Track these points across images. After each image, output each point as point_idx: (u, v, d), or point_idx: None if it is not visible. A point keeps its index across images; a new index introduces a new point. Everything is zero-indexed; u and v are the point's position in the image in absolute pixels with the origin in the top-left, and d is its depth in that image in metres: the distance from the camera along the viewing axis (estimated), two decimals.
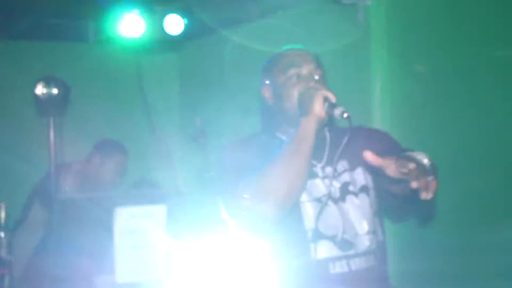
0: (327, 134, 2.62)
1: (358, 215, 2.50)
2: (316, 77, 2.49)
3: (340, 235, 2.46)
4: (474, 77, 3.36)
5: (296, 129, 2.38)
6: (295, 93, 2.47)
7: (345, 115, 2.30)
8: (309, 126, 2.36)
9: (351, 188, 2.54)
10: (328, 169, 2.53)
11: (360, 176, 2.56)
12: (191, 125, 5.63)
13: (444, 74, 3.52)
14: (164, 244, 3.00)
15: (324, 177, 2.52)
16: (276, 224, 2.40)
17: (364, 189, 2.54)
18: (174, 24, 4.09)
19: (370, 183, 2.56)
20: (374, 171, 2.44)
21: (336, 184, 2.52)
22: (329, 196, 2.48)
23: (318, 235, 2.45)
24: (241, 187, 2.39)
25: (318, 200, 2.49)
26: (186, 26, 4.15)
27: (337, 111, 2.32)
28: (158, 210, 2.99)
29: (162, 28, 4.01)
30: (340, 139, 2.43)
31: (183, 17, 4.15)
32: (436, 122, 3.57)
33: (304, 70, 2.51)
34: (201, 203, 5.46)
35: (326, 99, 2.34)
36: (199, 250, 3.14)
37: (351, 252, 2.45)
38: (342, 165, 2.55)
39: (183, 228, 3.64)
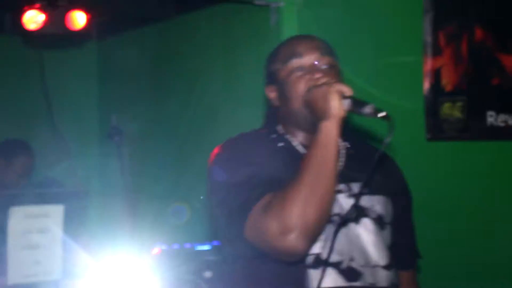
0: (342, 143, 2.15)
1: (371, 242, 2.08)
2: (324, 67, 2.07)
3: (346, 262, 2.03)
4: (377, 80, 3.39)
5: (316, 135, 1.93)
6: (301, 89, 2.04)
7: (382, 114, 1.89)
8: (331, 130, 1.91)
9: (366, 213, 2.09)
10: (342, 185, 2.06)
11: (379, 206, 2.11)
12: (107, 123, 5.58)
13: (352, 78, 3.54)
14: (61, 245, 2.93)
15: (335, 192, 2.00)
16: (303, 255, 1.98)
17: (379, 220, 2.10)
18: (77, 19, 4.00)
19: (389, 217, 2.13)
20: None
21: (350, 203, 2.04)
22: (339, 216, 2.02)
23: (320, 261, 2.01)
24: (258, 209, 1.94)
25: (330, 218, 2.01)
26: (89, 22, 4.07)
27: (367, 110, 1.90)
28: (55, 210, 2.90)
29: (64, 23, 3.91)
30: (359, 153, 2.14)
31: (86, 13, 4.06)
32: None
33: (308, 60, 2.08)
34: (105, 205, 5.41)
35: (343, 95, 1.90)
36: (101, 252, 3.09)
37: (358, 283, 2.02)
38: (357, 187, 2.07)
39: (82, 229, 3.57)
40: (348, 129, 2.11)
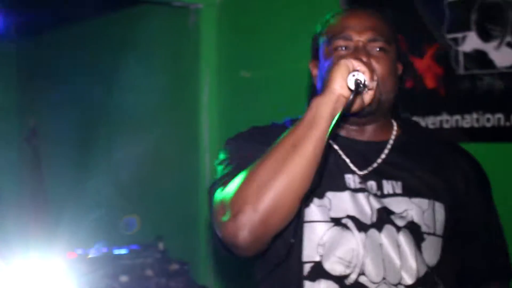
0: (394, 130, 1.87)
1: (397, 254, 1.71)
2: (376, 50, 1.76)
3: (354, 276, 1.68)
4: (292, 85, 3.40)
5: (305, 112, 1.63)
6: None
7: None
8: (322, 108, 1.58)
9: (394, 218, 1.73)
10: (371, 183, 1.76)
11: (414, 211, 1.74)
12: (26, 125, 5.47)
13: (269, 80, 3.55)
14: None
15: (357, 191, 1.73)
16: (247, 255, 1.66)
17: (412, 228, 1.72)
18: None
19: (434, 227, 1.75)
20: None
21: (375, 205, 1.73)
22: (356, 219, 1.70)
23: (319, 272, 1.68)
24: (218, 186, 1.69)
25: (337, 221, 1.71)
26: (7, 23, 3.97)
27: (366, 96, 1.65)
28: None
29: None
30: (417, 148, 1.84)
31: (3, 13, 3.97)
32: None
33: (356, 39, 1.77)
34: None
35: (353, 74, 1.60)
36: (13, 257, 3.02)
37: None
38: (392, 186, 1.76)
39: None
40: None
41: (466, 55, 2.65)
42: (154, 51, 4.18)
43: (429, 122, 2.73)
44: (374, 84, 1.65)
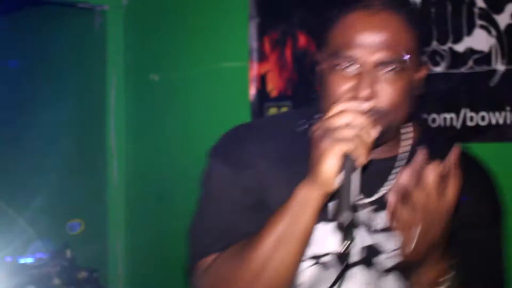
0: (408, 139, 1.58)
1: None
2: (387, 73, 1.42)
3: None
4: (204, 85, 3.39)
5: (290, 198, 1.41)
6: (335, 96, 1.43)
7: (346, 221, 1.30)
8: (309, 199, 1.38)
9: (382, 258, 1.51)
10: (364, 212, 1.51)
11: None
12: None
13: (178, 83, 3.52)
14: None
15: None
16: None
17: (402, 268, 1.50)
18: None
19: None
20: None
21: (364, 241, 1.52)
22: (341, 256, 1.35)
23: None
24: (201, 268, 1.51)
25: (317, 259, 1.50)
26: None
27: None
28: None
29: None
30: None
31: None
32: (169, 132, 3.56)
33: (362, 61, 1.43)
34: None
35: (348, 157, 1.32)
36: None
37: None
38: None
39: None
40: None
41: None
42: (59, 54, 4.09)
43: None
44: (376, 130, 1.36)
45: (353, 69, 1.43)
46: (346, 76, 1.44)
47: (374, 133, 1.35)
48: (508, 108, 2.33)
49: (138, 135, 3.71)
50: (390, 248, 1.51)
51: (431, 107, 2.48)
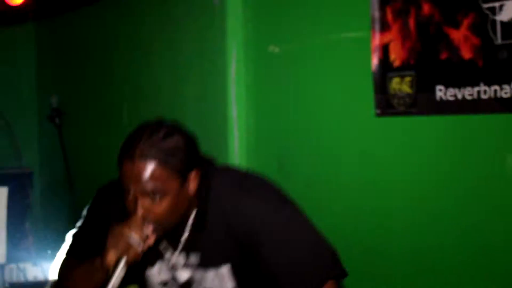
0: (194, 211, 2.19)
1: None
2: (152, 196, 2.04)
3: None
4: (325, 56, 3.37)
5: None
6: (128, 207, 2.09)
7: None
8: (97, 268, 2.11)
9: None
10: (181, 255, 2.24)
11: (209, 281, 2.18)
12: (48, 104, 5.46)
13: (297, 55, 3.52)
14: (4, 228, 2.84)
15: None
16: None
17: None
18: None
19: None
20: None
21: (179, 277, 2.24)
22: None
23: None
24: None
25: None
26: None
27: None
28: None
29: None
30: (216, 220, 2.12)
31: None
32: (289, 103, 3.57)
33: (132, 190, 2.06)
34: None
35: (121, 259, 2.02)
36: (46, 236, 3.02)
37: None
38: (195, 258, 2.21)
39: (27, 211, 3.48)
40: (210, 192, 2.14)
41: (504, 24, 2.60)
42: (181, 30, 4.16)
43: (466, 93, 2.70)
44: (149, 240, 2.04)
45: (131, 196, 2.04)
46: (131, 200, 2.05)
47: (145, 243, 2.01)
48: None
49: (258, 106, 3.74)
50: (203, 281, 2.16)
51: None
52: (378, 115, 3.04)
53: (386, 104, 3.00)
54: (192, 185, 2.10)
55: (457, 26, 2.74)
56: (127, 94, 4.68)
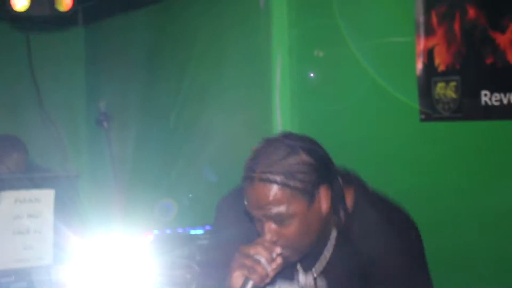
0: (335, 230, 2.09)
1: None
2: (278, 221, 1.96)
3: None
4: (369, 61, 3.36)
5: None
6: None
7: None
8: None
9: None
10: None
11: None
12: (96, 108, 5.53)
13: (341, 59, 3.52)
14: (52, 230, 2.90)
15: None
16: None
17: None
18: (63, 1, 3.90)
19: None
20: None
21: None
22: None
23: None
24: None
25: None
26: (76, 4, 3.97)
27: None
28: (46, 194, 2.87)
29: (52, 4, 3.79)
30: (358, 241, 2.02)
31: None
32: (334, 107, 3.57)
33: (256, 214, 2.00)
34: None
35: (247, 280, 1.94)
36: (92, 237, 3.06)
37: None
38: (322, 283, 2.09)
39: (74, 213, 3.53)
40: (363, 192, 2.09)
41: None
42: (226, 33, 4.19)
43: None
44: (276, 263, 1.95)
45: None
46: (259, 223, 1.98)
47: (274, 266, 1.92)
48: None
49: (303, 111, 3.74)
50: None
51: None
52: (422, 120, 3.03)
53: (430, 109, 2.98)
54: (324, 203, 1.98)
55: (503, 30, 2.72)
56: (174, 98, 4.72)
